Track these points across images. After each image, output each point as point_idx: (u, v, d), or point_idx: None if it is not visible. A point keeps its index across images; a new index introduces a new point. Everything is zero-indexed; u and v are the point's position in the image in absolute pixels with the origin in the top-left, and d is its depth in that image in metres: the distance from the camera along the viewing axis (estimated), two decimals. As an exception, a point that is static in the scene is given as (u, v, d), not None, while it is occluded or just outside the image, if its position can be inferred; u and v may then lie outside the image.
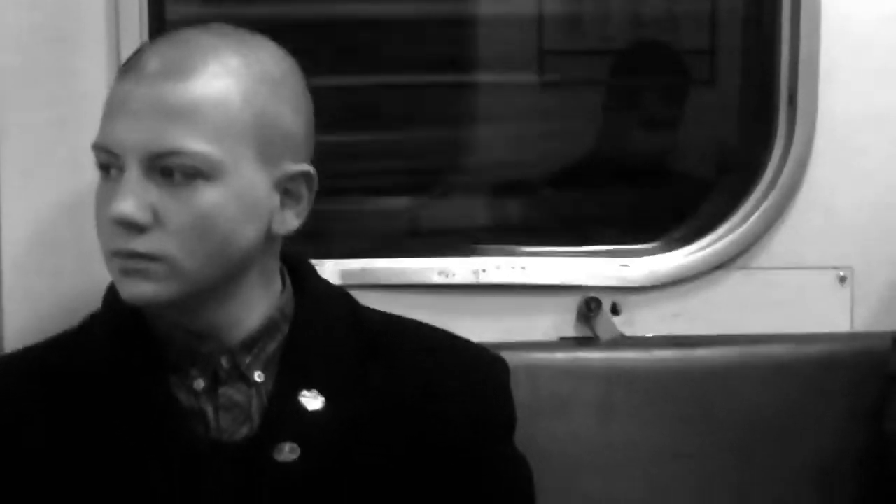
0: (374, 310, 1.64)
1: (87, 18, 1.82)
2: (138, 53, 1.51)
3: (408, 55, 3.27)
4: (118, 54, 1.81)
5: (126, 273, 1.48)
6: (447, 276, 2.04)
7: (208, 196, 1.46)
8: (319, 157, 1.57)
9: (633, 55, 3.28)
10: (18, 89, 1.81)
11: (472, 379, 1.62)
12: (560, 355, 2.02)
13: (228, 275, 1.50)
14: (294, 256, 1.61)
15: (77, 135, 1.52)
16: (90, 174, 1.52)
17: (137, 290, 1.47)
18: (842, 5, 2.09)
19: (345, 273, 1.97)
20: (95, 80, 1.76)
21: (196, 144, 1.45)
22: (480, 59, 3.41)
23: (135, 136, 1.45)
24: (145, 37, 1.84)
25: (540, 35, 3.45)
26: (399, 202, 3.26)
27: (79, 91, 1.79)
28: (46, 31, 1.81)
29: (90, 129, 1.50)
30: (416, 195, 3.26)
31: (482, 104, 3.42)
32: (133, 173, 1.46)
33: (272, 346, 1.55)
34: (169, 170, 1.46)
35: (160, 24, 1.91)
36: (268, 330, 1.55)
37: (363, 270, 2.01)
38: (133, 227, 1.45)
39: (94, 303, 1.59)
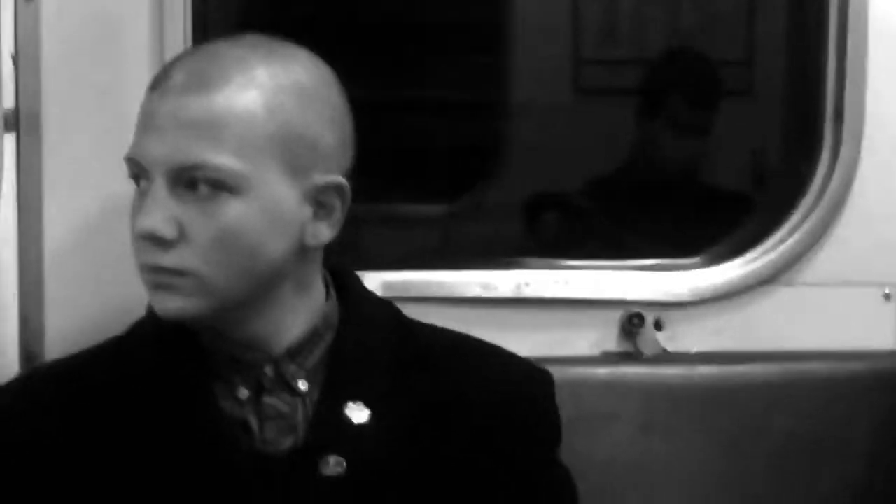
0: (418, 321, 1.64)
1: (131, 17, 1.83)
2: (166, 67, 1.51)
3: (442, 63, 3.26)
4: (162, 56, 1.81)
5: (156, 287, 1.48)
6: (489, 290, 2.03)
7: (233, 210, 1.45)
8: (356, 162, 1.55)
9: (668, 64, 3.26)
10: (62, 91, 1.82)
11: (519, 392, 1.61)
12: (602, 370, 2.02)
13: (260, 287, 1.49)
14: (338, 266, 1.61)
15: (120, 137, 1.52)
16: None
17: (166, 304, 1.47)
18: (891, 15, 2.07)
19: (387, 285, 1.96)
20: (139, 83, 1.76)
21: (219, 158, 1.44)
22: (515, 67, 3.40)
23: (160, 150, 1.45)
24: (189, 35, 1.85)
25: (575, 44, 3.44)
26: (433, 210, 3.24)
27: (124, 93, 1.80)
28: (92, 31, 1.82)
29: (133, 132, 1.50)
30: (451, 203, 3.24)
31: (517, 114, 3.41)
32: (159, 187, 1.45)
33: (316, 355, 1.54)
34: (194, 183, 1.45)
35: (204, 20, 1.91)
36: (311, 338, 1.54)
37: (405, 283, 2.01)
38: (159, 242, 1.45)
39: (138, 308, 1.58)
